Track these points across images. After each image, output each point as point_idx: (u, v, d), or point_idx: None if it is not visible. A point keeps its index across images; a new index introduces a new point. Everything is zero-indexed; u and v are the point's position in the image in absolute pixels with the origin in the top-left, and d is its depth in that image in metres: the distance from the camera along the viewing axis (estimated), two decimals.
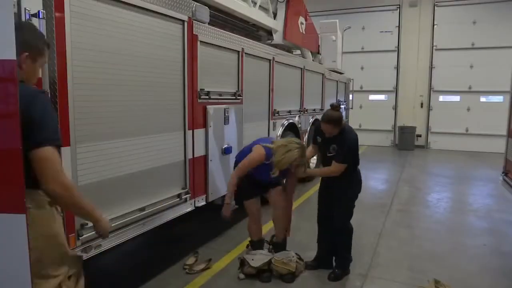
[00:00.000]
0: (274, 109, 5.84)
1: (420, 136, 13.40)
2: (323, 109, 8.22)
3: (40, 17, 2.18)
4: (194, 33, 3.76)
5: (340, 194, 3.62)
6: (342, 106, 10.44)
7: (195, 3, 3.79)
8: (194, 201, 3.91)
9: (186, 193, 3.74)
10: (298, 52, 8.08)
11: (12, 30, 2.10)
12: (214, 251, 4.22)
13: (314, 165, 7.26)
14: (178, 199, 3.65)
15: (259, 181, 3.66)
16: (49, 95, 2.27)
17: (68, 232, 2.52)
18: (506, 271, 3.96)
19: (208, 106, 4.06)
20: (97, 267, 3.76)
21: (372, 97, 14.20)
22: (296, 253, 3.78)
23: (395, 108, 13.87)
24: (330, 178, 3.63)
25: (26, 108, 1.70)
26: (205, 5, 4.03)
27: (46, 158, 1.72)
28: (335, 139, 3.53)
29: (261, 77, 5.43)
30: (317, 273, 3.80)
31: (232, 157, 4.53)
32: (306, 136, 7.32)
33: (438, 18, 13.09)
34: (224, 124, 4.37)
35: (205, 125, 4.04)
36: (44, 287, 1.82)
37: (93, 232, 2.69)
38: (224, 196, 3.80)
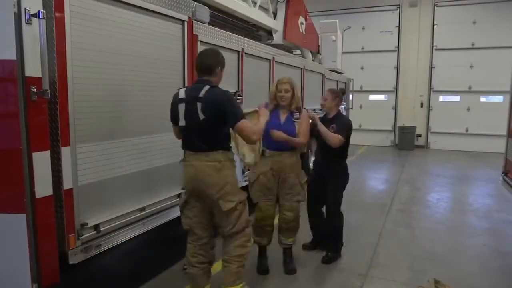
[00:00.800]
0: None
1: (420, 136, 13.40)
2: (323, 109, 8.19)
3: (40, 17, 2.18)
4: (194, 33, 3.76)
5: (333, 184, 3.97)
6: (342, 106, 10.46)
7: (195, 3, 3.79)
8: None
9: None
10: (298, 52, 8.08)
11: (12, 30, 2.11)
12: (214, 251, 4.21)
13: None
14: (178, 199, 3.64)
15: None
16: (49, 95, 2.26)
17: (68, 232, 2.53)
18: (506, 271, 3.96)
19: None
20: (97, 267, 3.76)
21: (372, 97, 14.19)
22: None
23: (395, 108, 13.87)
24: (323, 169, 4.03)
25: None
26: (205, 5, 4.04)
27: None
28: (333, 120, 3.93)
29: (261, 77, 5.43)
30: (316, 274, 3.81)
31: None
32: None
33: (438, 18, 13.09)
34: None
35: None
36: (228, 206, 2.75)
37: (94, 232, 2.70)
38: None
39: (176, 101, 2.83)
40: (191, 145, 2.80)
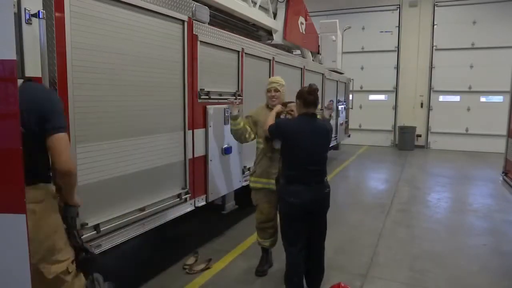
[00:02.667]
0: None
1: (420, 136, 13.40)
2: (322, 109, 8.21)
3: (40, 17, 2.18)
4: (194, 33, 3.76)
5: None
6: (342, 106, 10.46)
7: (195, 3, 3.79)
8: (194, 201, 3.90)
9: (186, 193, 3.74)
10: (298, 52, 8.08)
11: (12, 30, 2.11)
12: (214, 251, 4.22)
13: None
14: (178, 199, 3.65)
15: None
16: None
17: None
18: (506, 271, 3.96)
19: (208, 106, 4.06)
20: (97, 267, 3.76)
21: (372, 97, 14.20)
22: None
23: (395, 108, 13.87)
24: None
25: None
26: (205, 5, 4.04)
27: None
28: None
29: (261, 77, 5.43)
30: None
31: (232, 157, 4.54)
32: None
33: (438, 18, 13.09)
34: (224, 124, 4.37)
35: (205, 125, 4.04)
36: (55, 271, 1.96)
37: (94, 232, 2.71)
38: None
39: None
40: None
